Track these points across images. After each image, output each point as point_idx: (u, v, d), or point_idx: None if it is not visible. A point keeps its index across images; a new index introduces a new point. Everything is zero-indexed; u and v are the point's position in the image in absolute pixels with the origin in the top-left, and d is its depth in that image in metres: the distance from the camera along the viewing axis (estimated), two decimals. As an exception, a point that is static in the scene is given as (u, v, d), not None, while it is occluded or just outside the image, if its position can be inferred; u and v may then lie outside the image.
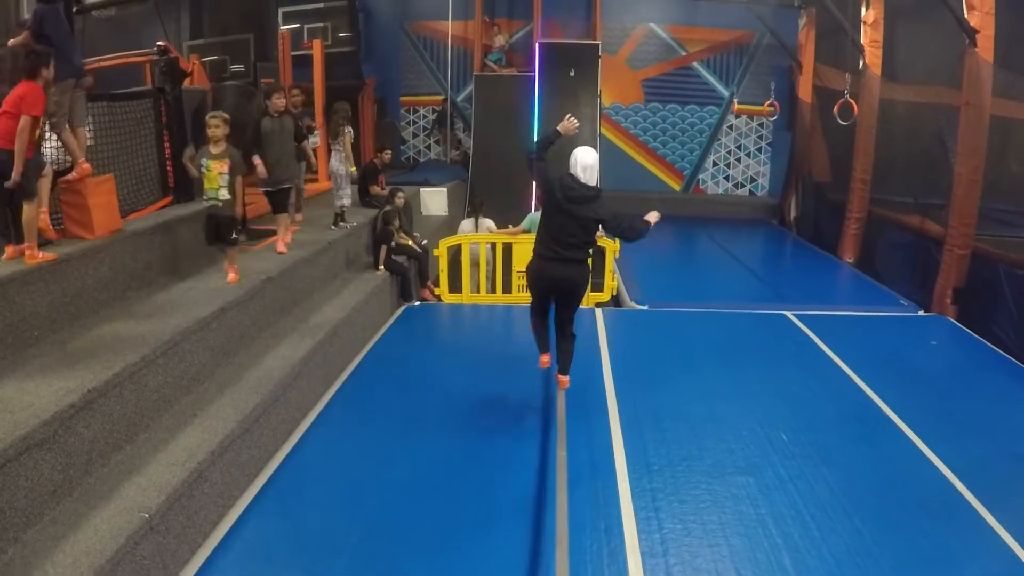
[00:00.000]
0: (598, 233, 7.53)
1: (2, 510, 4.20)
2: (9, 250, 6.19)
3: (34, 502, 4.45)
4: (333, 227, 10.86)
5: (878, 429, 7.47)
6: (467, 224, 13.07)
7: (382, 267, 10.76)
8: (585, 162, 6.87)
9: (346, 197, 10.98)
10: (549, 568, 5.06)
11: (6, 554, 4.20)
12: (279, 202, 9.51)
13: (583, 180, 6.84)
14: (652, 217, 7.21)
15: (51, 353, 5.63)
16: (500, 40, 19.81)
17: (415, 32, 20.76)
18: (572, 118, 7.30)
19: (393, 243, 10.95)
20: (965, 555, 5.45)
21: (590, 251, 7.27)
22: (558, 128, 7.20)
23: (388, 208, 11.23)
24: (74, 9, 9.22)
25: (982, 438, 7.29)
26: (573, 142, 7.51)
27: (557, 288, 7.13)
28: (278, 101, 9.42)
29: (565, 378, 7.35)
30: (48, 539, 4.36)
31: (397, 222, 11.56)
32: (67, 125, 6.98)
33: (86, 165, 7.04)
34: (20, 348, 5.63)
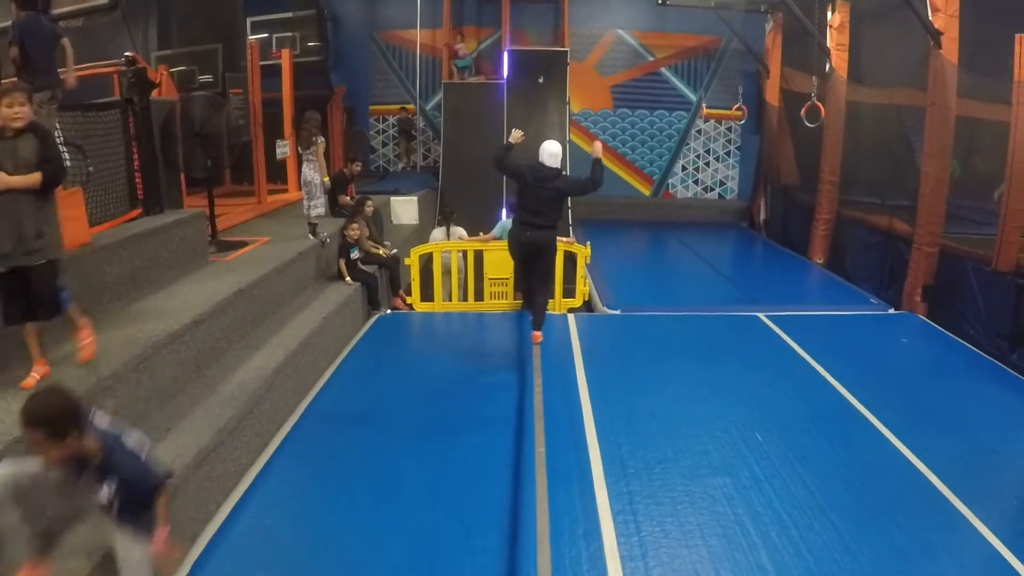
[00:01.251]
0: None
1: (-25, 527, 4.14)
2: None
3: (7, 519, 4.38)
4: (312, 236, 10.78)
5: (852, 427, 7.52)
6: (438, 233, 13.04)
7: (348, 277, 10.70)
8: (550, 150, 8.89)
9: (320, 207, 10.85)
10: (530, 570, 5.06)
11: (-17, 571, 4.14)
12: (34, 289, 5.37)
13: (548, 164, 8.82)
14: (597, 151, 9.08)
15: (21, 368, 5.55)
16: (463, 49, 19.81)
17: (384, 41, 20.77)
18: (517, 130, 9.10)
19: (355, 254, 10.88)
20: (942, 548, 5.51)
21: (557, 220, 9.13)
22: (509, 140, 9.02)
23: (351, 221, 11.17)
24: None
25: (954, 432, 7.36)
26: (539, 140, 9.27)
27: (531, 249, 9.02)
28: (8, 110, 5.15)
29: (538, 333, 9.26)
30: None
31: (367, 231, 11.54)
32: None
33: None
34: (-12, 364, 5.56)
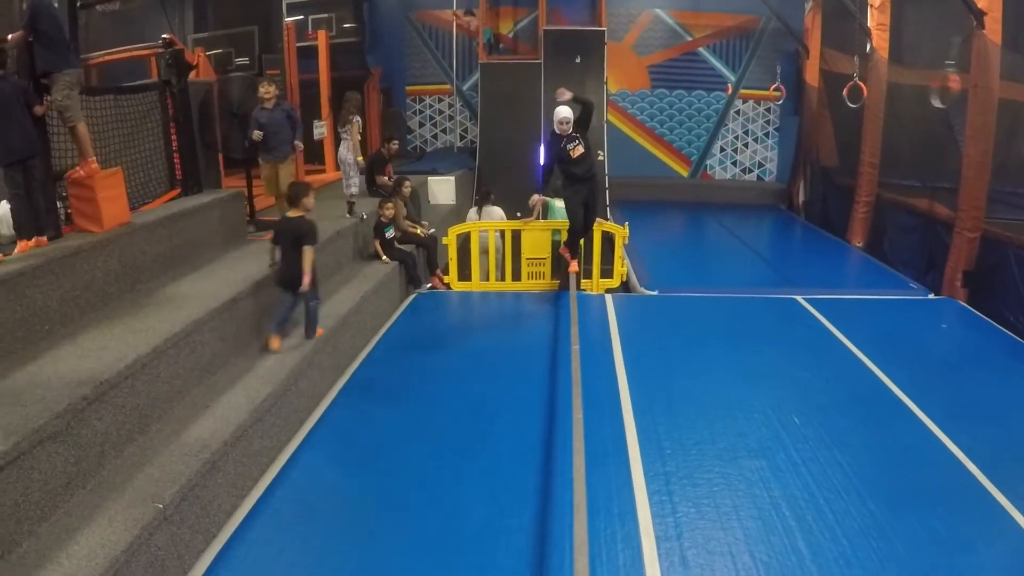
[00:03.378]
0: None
1: (17, 503, 4.23)
2: (22, 244, 6.22)
3: (48, 495, 4.46)
4: (349, 215, 10.88)
5: (890, 412, 7.45)
6: (473, 213, 13.06)
7: (384, 256, 10.72)
8: (560, 116, 10.28)
9: (354, 186, 10.91)
10: (563, 549, 5.09)
11: (21, 547, 4.22)
12: None
13: (562, 131, 10.32)
14: (561, 97, 10.32)
15: (62, 346, 5.65)
16: (472, 22, 19.73)
17: (420, 21, 20.73)
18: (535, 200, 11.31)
19: (390, 233, 10.90)
20: (978, 537, 5.45)
21: (594, 165, 10.74)
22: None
23: (387, 201, 11.16)
24: (79, 4, 9.17)
25: (993, 420, 7.26)
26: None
27: (584, 199, 10.66)
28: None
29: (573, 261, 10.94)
30: (63, 531, 4.38)
31: (404, 211, 11.56)
32: (81, 121, 6.95)
33: (94, 164, 7.01)
34: (31, 341, 5.65)
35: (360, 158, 10.93)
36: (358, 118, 10.91)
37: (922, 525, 5.53)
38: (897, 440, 6.86)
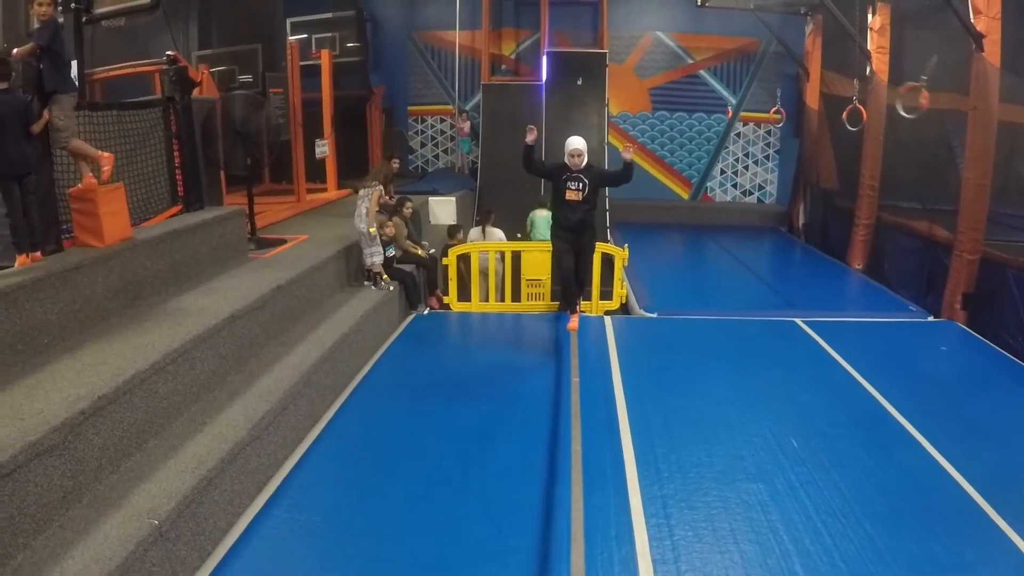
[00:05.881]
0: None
1: (12, 516, 4.22)
2: (21, 259, 6.22)
3: (44, 508, 4.45)
4: (368, 283, 10.50)
5: (889, 435, 7.43)
6: (475, 233, 13.07)
7: (386, 277, 10.69)
8: (572, 147, 8.80)
9: (376, 255, 10.40)
10: (562, 571, 5.07)
11: (15, 560, 4.21)
12: None
13: (573, 164, 8.78)
14: (627, 154, 8.71)
15: (61, 360, 5.64)
16: (467, 127, 19.83)
17: (423, 41, 20.83)
18: (530, 126, 9.00)
19: (390, 252, 10.86)
20: (978, 561, 5.42)
21: (593, 217, 9.15)
22: (526, 141, 8.86)
23: (387, 220, 11.10)
24: (84, 19, 9.19)
25: (993, 443, 7.24)
26: (564, 135, 9.57)
27: (572, 246, 9.10)
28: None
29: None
30: (57, 545, 4.37)
31: (405, 231, 11.57)
32: (73, 138, 6.95)
33: (93, 180, 7.02)
34: (30, 355, 5.64)
35: (372, 228, 10.21)
36: (380, 187, 10.48)
37: (921, 548, 5.51)
38: (896, 463, 6.83)
